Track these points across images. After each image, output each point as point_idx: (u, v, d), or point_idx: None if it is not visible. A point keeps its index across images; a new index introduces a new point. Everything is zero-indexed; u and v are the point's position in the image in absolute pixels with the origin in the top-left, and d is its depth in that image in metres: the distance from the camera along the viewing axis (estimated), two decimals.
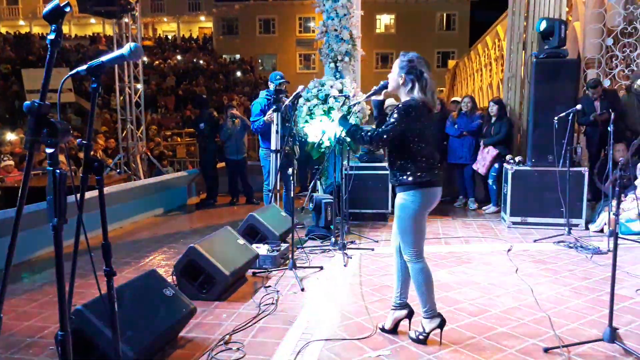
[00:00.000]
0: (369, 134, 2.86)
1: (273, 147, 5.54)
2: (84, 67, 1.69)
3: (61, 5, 1.44)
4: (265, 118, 5.88)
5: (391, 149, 2.92)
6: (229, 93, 24.69)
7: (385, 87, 3.00)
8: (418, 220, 2.84)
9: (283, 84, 5.87)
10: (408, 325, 3.06)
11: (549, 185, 5.77)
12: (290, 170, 4.74)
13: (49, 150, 1.42)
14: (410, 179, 2.80)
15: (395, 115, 2.78)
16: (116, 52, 1.73)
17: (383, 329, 3.08)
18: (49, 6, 1.44)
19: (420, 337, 2.91)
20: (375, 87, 3.07)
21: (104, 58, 1.69)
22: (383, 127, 2.83)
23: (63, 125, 1.42)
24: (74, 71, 1.69)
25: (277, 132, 5.11)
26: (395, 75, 2.88)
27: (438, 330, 2.90)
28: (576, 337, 2.95)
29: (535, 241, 5.35)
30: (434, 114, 2.97)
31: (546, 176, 5.83)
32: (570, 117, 5.39)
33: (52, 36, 1.45)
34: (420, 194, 2.80)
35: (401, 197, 2.86)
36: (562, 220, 5.68)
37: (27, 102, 1.41)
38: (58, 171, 1.43)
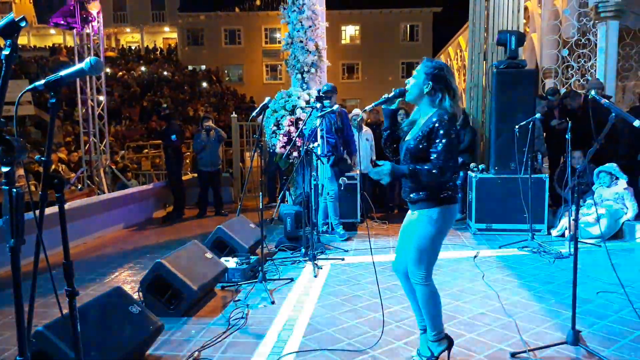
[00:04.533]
0: (432, 167, 2.43)
1: (319, 152, 5.60)
2: (42, 81, 1.63)
3: (16, 19, 1.39)
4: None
5: (415, 162, 2.52)
6: (195, 104, 24.42)
7: (402, 95, 2.65)
8: (439, 240, 2.59)
9: (329, 92, 5.99)
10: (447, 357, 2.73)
11: (512, 192, 5.92)
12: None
13: (5, 169, 1.37)
14: (438, 195, 2.51)
15: (442, 131, 2.44)
16: (75, 67, 1.68)
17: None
18: (3, 20, 1.39)
19: None
20: (386, 95, 2.68)
21: (62, 73, 1.64)
22: (437, 149, 2.44)
23: (20, 142, 1.37)
24: (31, 86, 1.63)
25: (322, 137, 5.15)
26: (419, 83, 2.54)
27: (445, 353, 2.70)
28: (541, 341, 3.02)
29: (500, 247, 5.47)
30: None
31: (509, 183, 5.98)
32: (530, 126, 5.56)
33: (6, 52, 1.39)
34: (445, 211, 2.53)
35: (422, 215, 2.54)
36: (525, 226, 5.83)
37: None
38: (15, 190, 1.38)
